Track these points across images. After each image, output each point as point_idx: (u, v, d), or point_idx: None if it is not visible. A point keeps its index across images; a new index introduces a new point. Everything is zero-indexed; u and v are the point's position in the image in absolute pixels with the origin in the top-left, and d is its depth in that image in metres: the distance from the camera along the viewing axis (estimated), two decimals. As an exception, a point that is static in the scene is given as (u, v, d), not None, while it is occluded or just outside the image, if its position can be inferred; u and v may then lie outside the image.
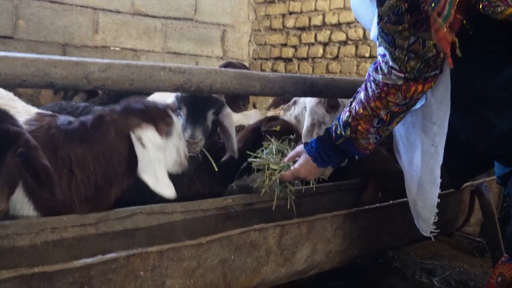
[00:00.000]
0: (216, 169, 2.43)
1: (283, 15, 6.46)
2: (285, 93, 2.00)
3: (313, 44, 6.07)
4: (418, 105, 1.76)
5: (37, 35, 5.07)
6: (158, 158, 1.92)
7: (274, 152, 2.19)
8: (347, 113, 1.81)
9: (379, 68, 1.66)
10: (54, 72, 1.46)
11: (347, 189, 2.87)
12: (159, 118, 1.95)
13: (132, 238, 1.97)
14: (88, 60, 1.53)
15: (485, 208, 2.84)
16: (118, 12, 5.62)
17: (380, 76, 1.64)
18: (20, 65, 1.38)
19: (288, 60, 6.39)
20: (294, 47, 6.32)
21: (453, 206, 2.78)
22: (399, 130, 1.94)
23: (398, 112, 1.70)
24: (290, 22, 6.35)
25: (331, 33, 5.83)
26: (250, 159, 2.23)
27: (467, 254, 3.76)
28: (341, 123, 1.84)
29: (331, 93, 2.18)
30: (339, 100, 2.77)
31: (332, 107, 2.81)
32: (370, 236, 2.34)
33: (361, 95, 1.74)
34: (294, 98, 3.26)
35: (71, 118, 2.06)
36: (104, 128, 1.93)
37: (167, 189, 1.93)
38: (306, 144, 2.01)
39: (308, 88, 2.10)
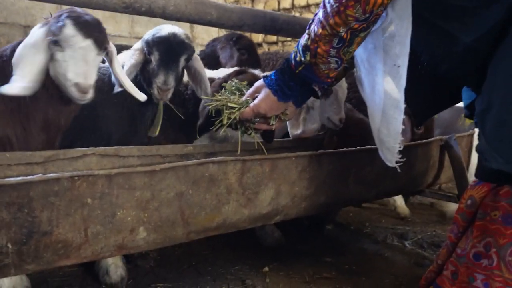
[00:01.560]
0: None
1: (253, 0, 6.41)
2: (244, 25, 1.92)
3: (282, 27, 6.03)
4: (378, 23, 1.69)
5: (-4, 16, 4.90)
6: (28, 56, 1.85)
7: (233, 91, 2.09)
8: (306, 36, 1.73)
9: None
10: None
11: (314, 144, 2.81)
12: (51, 21, 1.90)
13: (84, 179, 1.85)
14: (24, -36, 1.42)
15: (455, 161, 2.79)
16: (82, -6, 5.47)
17: None
18: None
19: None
20: (264, 31, 6.27)
21: (422, 159, 2.72)
22: (360, 54, 1.87)
23: (359, 29, 1.62)
24: (259, 6, 6.29)
25: (300, 15, 5.79)
26: (206, 103, 2.13)
27: (439, 220, 3.74)
28: (300, 49, 1.75)
29: (292, 30, 2.11)
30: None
31: None
32: (336, 182, 2.26)
33: (320, 14, 1.66)
34: None
35: None
36: None
37: (13, 85, 1.81)
38: (265, 77, 1.92)
39: (269, 22, 2.02)
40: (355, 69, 1.98)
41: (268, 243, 2.92)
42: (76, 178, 1.47)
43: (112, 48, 2.09)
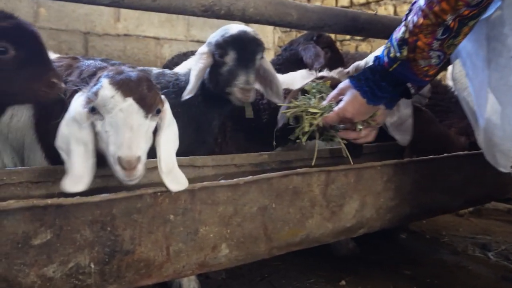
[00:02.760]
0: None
1: (308, 0, 6.25)
2: (324, 26, 1.79)
3: (340, 26, 5.84)
4: (490, 10, 1.50)
5: (58, 23, 4.95)
6: (73, 136, 1.52)
7: (313, 93, 1.93)
8: (403, 28, 1.53)
9: None
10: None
11: (390, 150, 2.64)
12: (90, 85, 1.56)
13: (159, 191, 1.77)
14: (105, -32, 1.35)
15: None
16: (140, -1, 5.50)
17: None
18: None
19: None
20: (321, 30, 6.10)
21: (511, 165, 2.50)
22: (465, 47, 1.66)
23: (468, 16, 1.41)
24: (316, 5, 6.13)
25: (359, 13, 5.59)
26: (284, 111, 1.97)
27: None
28: (395, 43, 1.55)
29: (374, 30, 1.96)
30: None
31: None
32: (422, 192, 2.09)
33: (420, 1, 1.45)
34: (359, 63, 2.87)
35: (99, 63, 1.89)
36: None
37: (71, 183, 1.43)
38: (352, 77, 1.74)
39: (350, 22, 1.88)
40: (452, 65, 1.79)
41: (342, 254, 2.77)
42: (159, 194, 1.38)
43: (167, 111, 1.64)
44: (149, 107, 1.51)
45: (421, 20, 1.44)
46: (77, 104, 1.54)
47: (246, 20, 1.66)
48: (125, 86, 1.49)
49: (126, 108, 1.47)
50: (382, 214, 1.97)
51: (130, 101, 1.47)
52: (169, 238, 1.43)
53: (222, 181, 1.50)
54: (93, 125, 1.51)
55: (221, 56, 2.03)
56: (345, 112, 1.72)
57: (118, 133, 1.44)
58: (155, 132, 1.58)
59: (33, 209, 1.18)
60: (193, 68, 2.05)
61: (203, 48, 2.10)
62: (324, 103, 1.85)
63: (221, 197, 1.50)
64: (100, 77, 1.55)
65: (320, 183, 1.73)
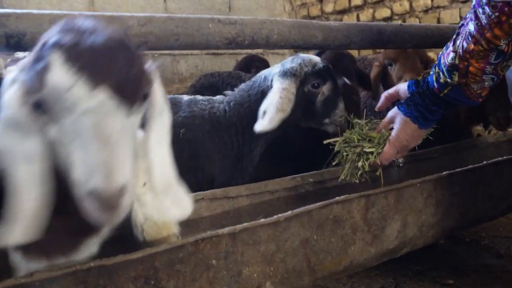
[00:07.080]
0: None
1: (321, 0, 6.18)
2: (350, 44, 1.74)
3: (355, 25, 5.76)
4: None
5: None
6: (14, 147, 0.97)
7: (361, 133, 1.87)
8: (451, 54, 1.48)
9: None
10: (89, 30, 1.24)
11: (425, 159, 2.58)
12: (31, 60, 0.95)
13: (196, 228, 1.75)
14: (125, 14, 1.32)
15: None
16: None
17: None
18: (47, 22, 1.17)
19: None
20: (336, 31, 6.03)
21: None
22: None
23: None
24: (328, 7, 6.06)
25: (374, 11, 5.51)
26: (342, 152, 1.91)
27: None
28: (444, 69, 1.52)
29: (401, 41, 1.90)
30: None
31: None
32: (464, 203, 2.02)
33: (470, 27, 1.41)
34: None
35: None
36: None
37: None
38: (400, 104, 1.70)
39: (376, 36, 1.83)
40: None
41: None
42: (200, 241, 1.34)
43: (157, 91, 1.07)
44: (134, 95, 0.93)
45: (471, 46, 1.39)
46: (12, 97, 0.95)
47: (271, 47, 1.61)
48: (91, 65, 0.87)
49: (98, 108, 0.87)
50: (424, 231, 1.91)
51: (103, 94, 0.88)
52: (213, 283, 1.39)
53: (262, 220, 1.46)
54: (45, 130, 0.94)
55: (316, 87, 1.98)
56: (400, 141, 1.70)
57: (88, 150, 0.87)
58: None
59: (76, 273, 1.15)
60: (273, 104, 1.92)
61: (282, 82, 1.94)
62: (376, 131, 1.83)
63: (262, 236, 1.45)
64: (45, 43, 0.92)
65: (360, 209, 1.68)
